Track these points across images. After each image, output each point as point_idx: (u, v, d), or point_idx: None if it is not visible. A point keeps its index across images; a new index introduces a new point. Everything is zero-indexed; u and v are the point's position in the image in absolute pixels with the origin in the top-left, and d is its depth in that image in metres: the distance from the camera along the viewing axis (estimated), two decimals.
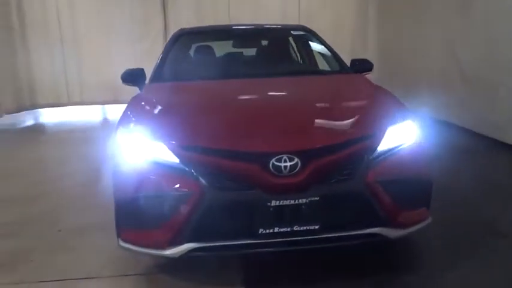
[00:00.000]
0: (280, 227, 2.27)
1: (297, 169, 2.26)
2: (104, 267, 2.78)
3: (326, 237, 2.34)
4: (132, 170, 2.41)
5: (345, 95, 3.09)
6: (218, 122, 2.55)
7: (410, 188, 2.44)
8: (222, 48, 4.36)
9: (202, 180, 2.26)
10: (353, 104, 2.80)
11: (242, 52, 4.56)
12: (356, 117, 2.59)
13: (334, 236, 2.35)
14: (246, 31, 4.61)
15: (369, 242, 2.46)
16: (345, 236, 2.37)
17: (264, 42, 4.43)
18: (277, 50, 4.30)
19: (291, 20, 9.41)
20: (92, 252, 2.98)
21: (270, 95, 3.14)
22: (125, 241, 2.46)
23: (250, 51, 4.48)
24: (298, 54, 4.32)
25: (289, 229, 2.28)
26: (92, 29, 9.11)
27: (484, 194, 3.82)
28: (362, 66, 3.83)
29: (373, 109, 2.72)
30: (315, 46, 4.17)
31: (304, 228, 2.29)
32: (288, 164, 2.25)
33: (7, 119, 8.45)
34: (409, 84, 7.32)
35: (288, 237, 2.30)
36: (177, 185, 2.29)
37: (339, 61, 3.83)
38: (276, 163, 2.24)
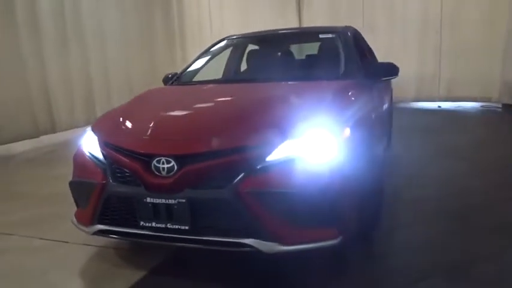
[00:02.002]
0: (157, 223, 2.51)
1: (173, 172, 2.45)
2: (85, 235, 3.34)
3: (197, 238, 2.47)
4: (78, 157, 2.96)
5: (280, 104, 2.89)
6: (140, 123, 2.86)
7: (297, 203, 2.35)
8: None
9: (107, 173, 2.66)
10: (271, 113, 2.66)
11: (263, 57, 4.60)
12: (255, 126, 2.55)
13: (205, 239, 2.46)
14: (279, 36, 4.65)
15: (244, 252, 2.46)
16: (216, 241, 2.45)
17: (294, 46, 4.44)
18: (289, 55, 4.27)
19: (431, 19, 8.64)
20: None
21: (214, 101, 3.25)
22: (75, 217, 3.01)
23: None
24: (315, 59, 4.15)
25: (164, 225, 2.50)
26: (236, 29, 10.09)
27: None
28: (378, 72, 3.57)
29: (286, 119, 2.59)
30: (341, 48, 3.95)
31: (176, 227, 2.47)
32: (166, 166, 2.46)
33: None
34: None
35: (164, 233, 2.52)
36: (92, 175, 2.74)
37: (349, 67, 3.61)
38: (156, 164, 2.48)
